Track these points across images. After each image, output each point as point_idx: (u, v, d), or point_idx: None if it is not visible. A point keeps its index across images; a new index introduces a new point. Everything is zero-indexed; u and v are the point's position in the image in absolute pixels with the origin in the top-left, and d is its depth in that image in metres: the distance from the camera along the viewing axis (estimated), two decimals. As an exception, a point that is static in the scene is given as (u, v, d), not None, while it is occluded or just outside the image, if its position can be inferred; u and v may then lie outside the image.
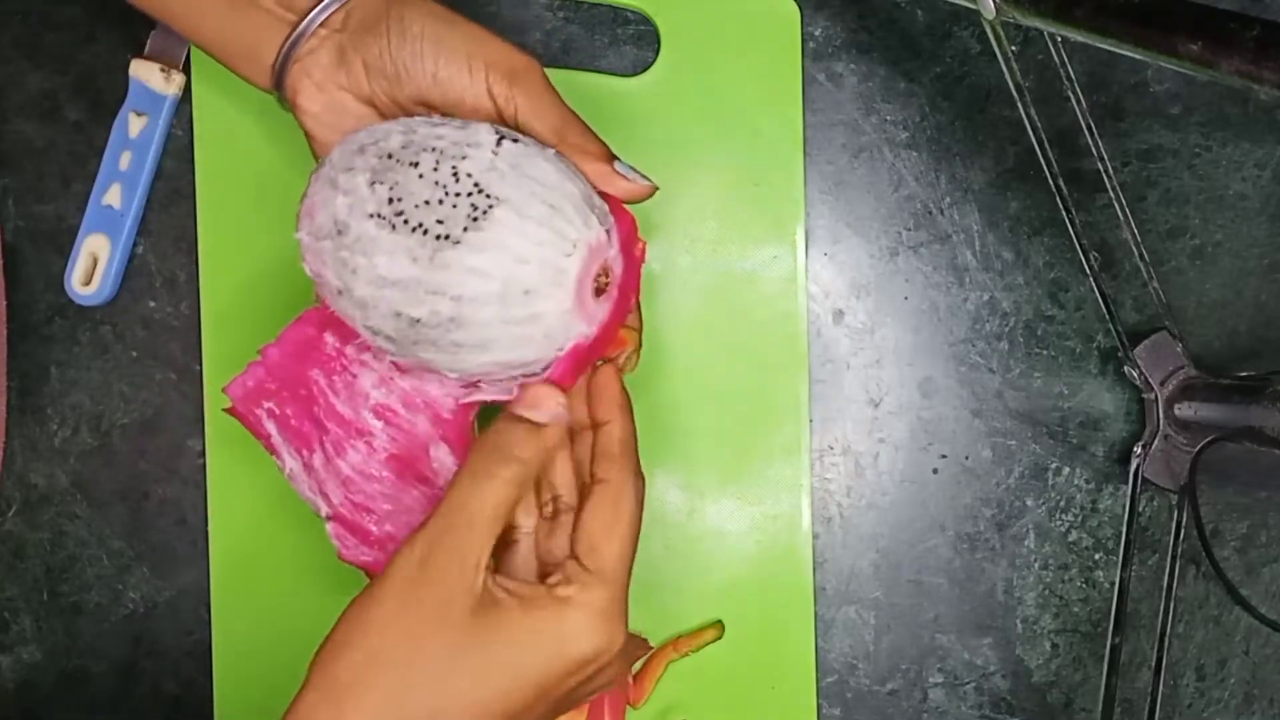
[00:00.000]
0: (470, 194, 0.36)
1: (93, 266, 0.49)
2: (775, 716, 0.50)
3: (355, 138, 0.39)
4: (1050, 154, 0.43)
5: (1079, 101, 0.43)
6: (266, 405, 0.41)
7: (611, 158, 0.40)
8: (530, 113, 0.39)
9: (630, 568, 0.38)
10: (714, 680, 0.50)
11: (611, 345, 0.41)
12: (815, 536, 0.51)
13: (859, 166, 0.51)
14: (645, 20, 0.50)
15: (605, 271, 0.38)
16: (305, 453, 0.41)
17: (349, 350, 0.41)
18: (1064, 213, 0.45)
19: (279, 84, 0.41)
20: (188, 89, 0.50)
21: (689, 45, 0.50)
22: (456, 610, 0.35)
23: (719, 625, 0.50)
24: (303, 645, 0.49)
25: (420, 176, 0.37)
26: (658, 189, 0.40)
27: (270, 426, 0.41)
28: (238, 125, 0.49)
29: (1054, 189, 0.44)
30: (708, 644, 0.49)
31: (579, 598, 0.36)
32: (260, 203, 0.49)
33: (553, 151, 0.38)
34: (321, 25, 0.40)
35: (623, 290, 0.39)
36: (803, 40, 0.50)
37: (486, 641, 0.35)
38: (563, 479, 0.41)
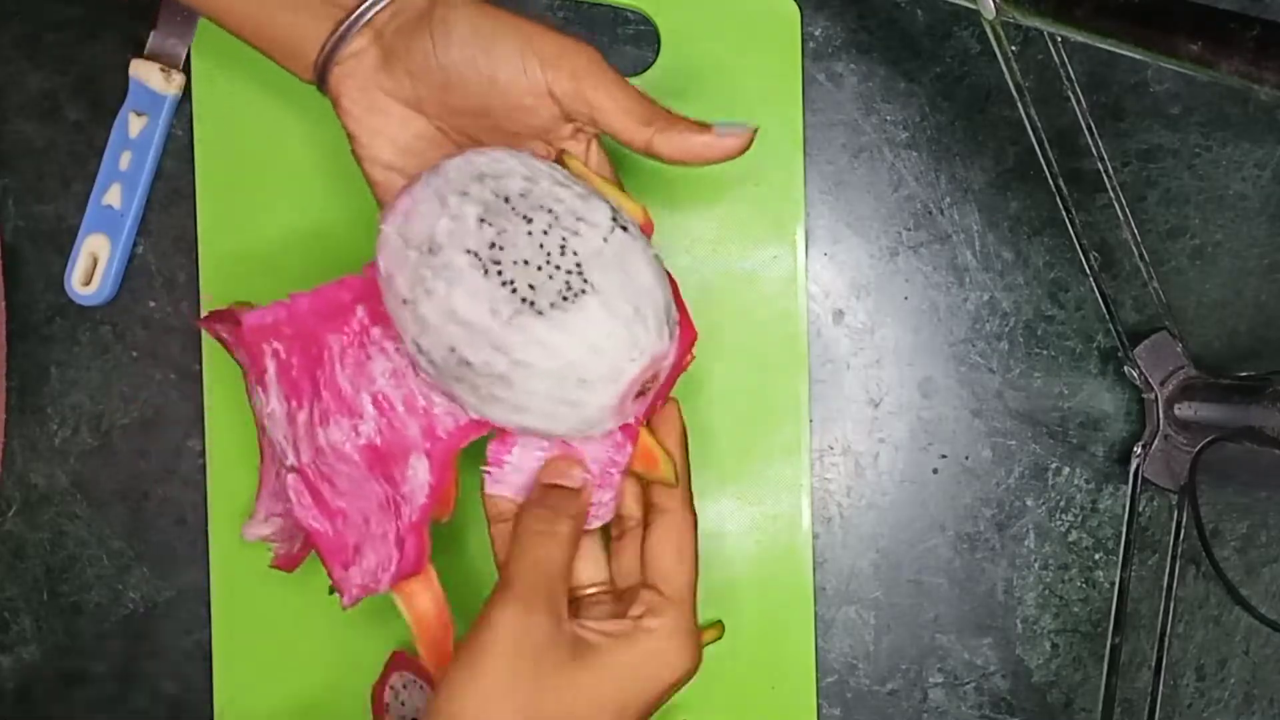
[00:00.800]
0: (570, 271, 0.37)
1: (93, 266, 0.49)
2: (775, 716, 0.50)
3: (475, 162, 0.38)
4: (1050, 154, 0.43)
5: (1079, 101, 0.43)
6: (274, 345, 0.40)
7: (708, 126, 0.39)
8: (612, 110, 0.38)
9: (696, 592, 0.40)
10: (714, 680, 0.50)
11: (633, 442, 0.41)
12: (815, 536, 0.51)
13: (859, 166, 0.51)
14: (645, 20, 0.50)
15: (655, 378, 0.39)
16: (293, 404, 0.41)
17: (374, 331, 0.40)
18: (1064, 213, 0.45)
19: (321, 81, 0.40)
20: (188, 89, 0.50)
21: (689, 45, 0.50)
22: (553, 661, 0.36)
23: (719, 625, 0.49)
24: (303, 645, 0.49)
25: (529, 234, 0.37)
26: (757, 129, 0.41)
27: (270, 364, 0.41)
28: (238, 125, 0.49)
29: (1054, 189, 0.44)
30: (708, 644, 0.49)
31: (665, 628, 0.38)
32: (260, 203, 0.49)
33: (654, 253, 0.39)
34: (367, 25, 0.39)
35: (657, 393, 0.40)
36: (803, 40, 0.50)
37: (589, 682, 0.37)
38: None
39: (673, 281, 0.40)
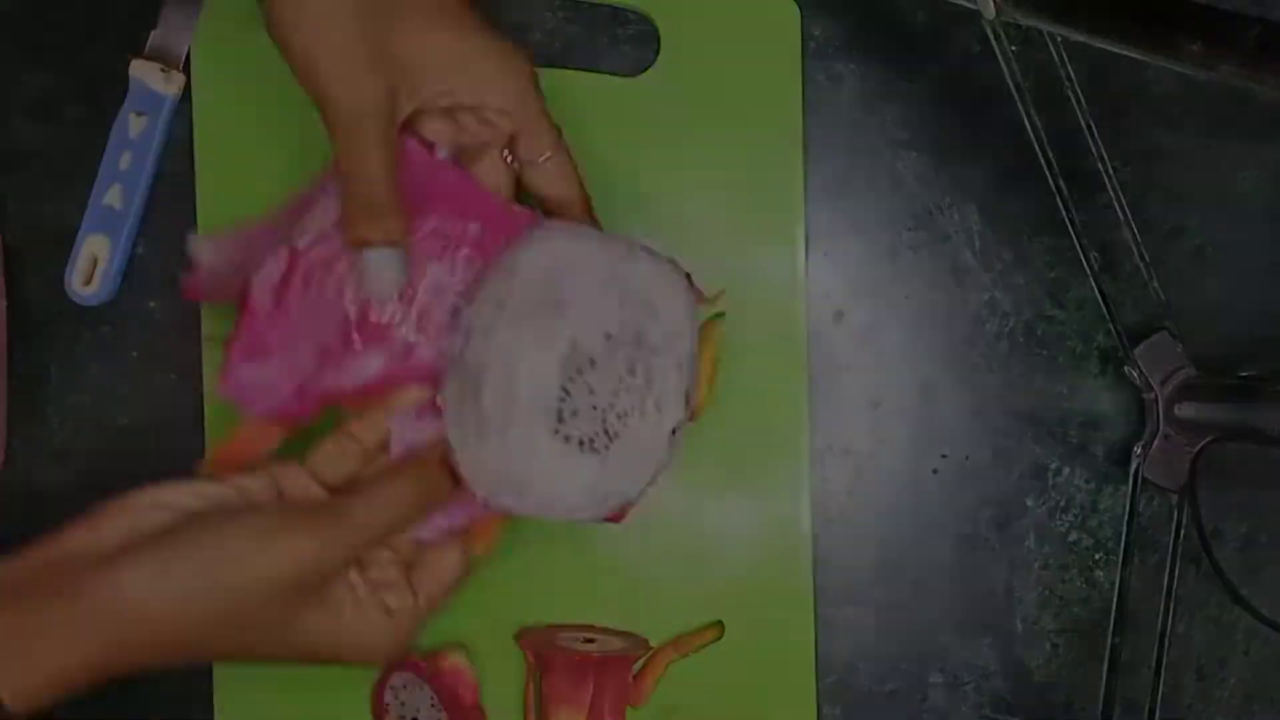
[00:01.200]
0: (607, 433, 0.39)
1: (93, 266, 0.49)
2: (775, 716, 0.50)
3: (660, 294, 0.40)
4: (1050, 154, 0.43)
5: (1079, 101, 0.43)
6: (408, 175, 0.40)
7: None
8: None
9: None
10: (714, 680, 0.50)
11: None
12: (815, 536, 0.51)
13: (859, 166, 0.51)
14: (645, 20, 0.50)
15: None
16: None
17: (464, 250, 0.40)
18: (1064, 213, 0.45)
19: None
20: (188, 89, 0.50)
21: (689, 45, 0.50)
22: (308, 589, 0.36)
23: (719, 625, 0.50)
24: (303, 645, 0.49)
25: (619, 381, 0.39)
26: None
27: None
28: (238, 125, 0.49)
29: (1054, 189, 0.44)
30: (708, 644, 0.49)
31: (402, 624, 0.38)
32: (260, 203, 0.49)
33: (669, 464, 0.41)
34: None
35: None
36: (803, 40, 0.50)
37: (311, 616, 0.37)
38: None
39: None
